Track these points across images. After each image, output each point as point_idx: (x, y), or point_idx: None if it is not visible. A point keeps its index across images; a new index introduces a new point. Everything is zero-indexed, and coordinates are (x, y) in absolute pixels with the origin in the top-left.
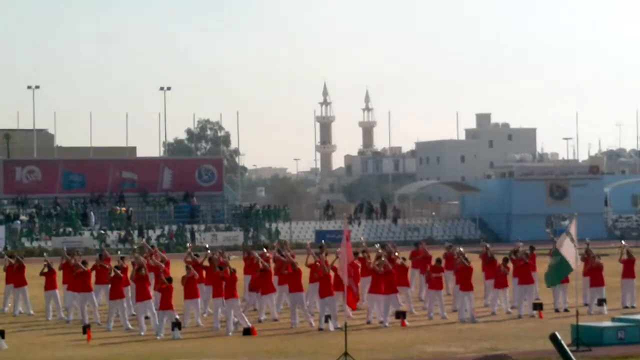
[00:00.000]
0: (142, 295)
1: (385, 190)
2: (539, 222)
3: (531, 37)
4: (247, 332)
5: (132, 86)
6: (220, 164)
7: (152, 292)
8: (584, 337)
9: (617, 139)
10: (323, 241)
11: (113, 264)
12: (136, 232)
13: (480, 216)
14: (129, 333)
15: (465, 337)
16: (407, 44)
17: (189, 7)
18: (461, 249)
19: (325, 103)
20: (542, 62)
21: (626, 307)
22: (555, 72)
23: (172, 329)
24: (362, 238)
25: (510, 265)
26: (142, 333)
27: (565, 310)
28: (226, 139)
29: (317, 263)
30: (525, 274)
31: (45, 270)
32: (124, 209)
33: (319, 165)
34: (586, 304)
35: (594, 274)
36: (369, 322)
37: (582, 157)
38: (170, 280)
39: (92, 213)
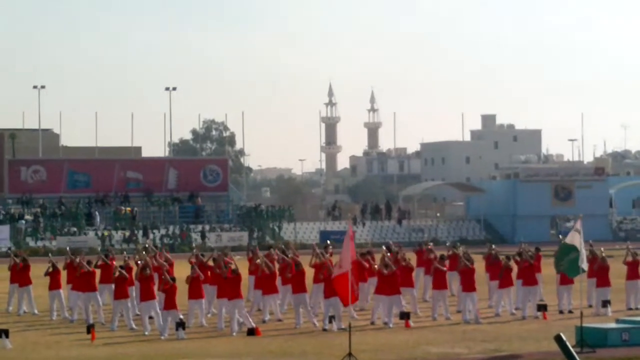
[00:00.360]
0: (146, 295)
1: (390, 191)
2: (544, 224)
3: (537, 37)
4: (251, 332)
5: (138, 86)
6: (225, 164)
7: (156, 292)
8: (588, 339)
9: (622, 140)
10: (328, 241)
11: (117, 263)
12: (141, 232)
13: (485, 217)
14: (133, 333)
15: (469, 338)
16: (412, 44)
17: (195, 8)
18: (462, 249)
19: (330, 104)
20: (547, 63)
21: (630, 309)
22: (561, 73)
23: (176, 329)
24: (369, 240)
25: (512, 264)
26: (147, 333)
27: (570, 311)
28: (231, 140)
29: (324, 263)
30: (529, 275)
31: (50, 269)
32: (128, 208)
33: (324, 166)
34: (590, 306)
35: (601, 274)
36: (372, 323)
37: (588, 158)
38: (174, 280)
39: (97, 213)
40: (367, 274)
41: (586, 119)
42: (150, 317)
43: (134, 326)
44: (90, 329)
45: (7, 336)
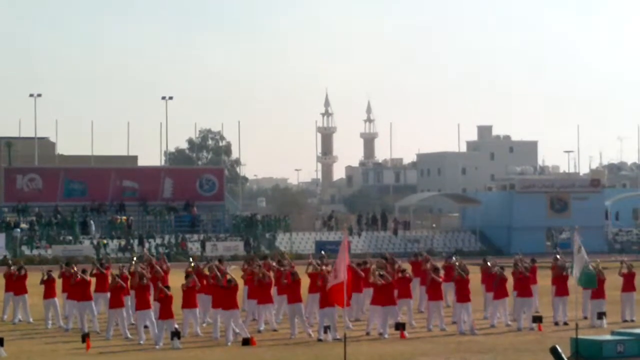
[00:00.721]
0: (142, 304)
1: (386, 202)
2: (540, 235)
3: (533, 50)
4: (246, 342)
5: (134, 95)
6: (221, 173)
7: (151, 301)
8: (584, 351)
9: (618, 152)
10: (322, 252)
11: (114, 272)
12: (136, 241)
13: (480, 228)
14: (129, 342)
15: (464, 349)
16: (409, 55)
17: (192, 18)
18: (456, 260)
19: (326, 114)
20: (543, 75)
21: (626, 321)
22: (557, 85)
23: (172, 339)
24: (364, 250)
25: (507, 274)
26: (142, 342)
27: (565, 323)
28: (227, 149)
29: (320, 272)
30: (524, 287)
31: (45, 278)
32: (124, 217)
33: (320, 176)
34: (585, 317)
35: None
36: (368, 333)
37: (583, 170)
38: (168, 289)
39: (92, 222)
40: (363, 285)
41: (582, 131)
42: (146, 327)
43: (129, 335)
44: (85, 337)
45: (1, 345)
